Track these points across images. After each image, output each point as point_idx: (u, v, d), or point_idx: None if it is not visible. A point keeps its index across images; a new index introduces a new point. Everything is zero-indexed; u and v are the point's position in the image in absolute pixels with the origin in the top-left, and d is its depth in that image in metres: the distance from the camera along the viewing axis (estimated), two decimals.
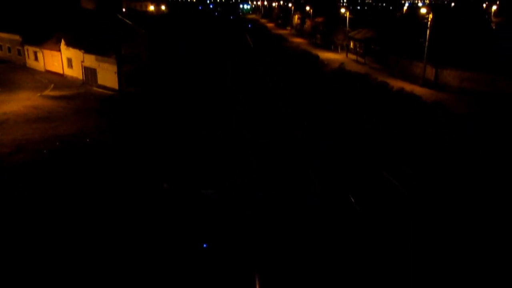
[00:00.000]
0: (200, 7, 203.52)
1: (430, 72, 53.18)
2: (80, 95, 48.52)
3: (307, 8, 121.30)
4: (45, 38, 60.70)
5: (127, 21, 60.65)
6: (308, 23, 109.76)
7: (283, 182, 27.07)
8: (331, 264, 19.10)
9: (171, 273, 18.48)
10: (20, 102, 44.98)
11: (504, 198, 24.92)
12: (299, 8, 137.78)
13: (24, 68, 63.46)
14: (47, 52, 60.13)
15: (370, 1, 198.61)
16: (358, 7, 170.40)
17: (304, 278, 18.24)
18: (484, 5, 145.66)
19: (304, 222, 22.33)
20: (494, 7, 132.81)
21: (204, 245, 20.24)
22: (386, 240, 20.89)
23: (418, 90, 50.07)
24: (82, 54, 53.77)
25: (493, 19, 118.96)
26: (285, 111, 41.69)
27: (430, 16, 52.52)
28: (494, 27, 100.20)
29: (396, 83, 52.91)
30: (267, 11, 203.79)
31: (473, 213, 23.14)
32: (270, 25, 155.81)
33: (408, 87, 51.28)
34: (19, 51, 65.13)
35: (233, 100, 45.99)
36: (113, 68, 49.90)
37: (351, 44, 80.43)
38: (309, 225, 22.10)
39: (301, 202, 24.20)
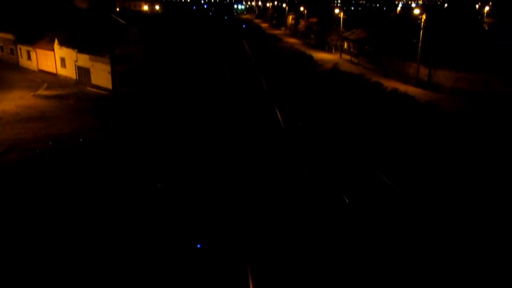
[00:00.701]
0: (194, 7, 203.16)
1: (424, 72, 53.40)
2: (74, 95, 48.26)
3: (301, 8, 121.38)
4: (38, 37, 60.33)
5: (121, 20, 60.40)
6: (302, 23, 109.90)
7: (279, 182, 27.08)
8: (326, 263, 19.15)
9: (164, 274, 18.45)
10: (13, 101, 44.69)
11: (497, 196, 25.11)
12: (293, 9, 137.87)
13: (17, 67, 63.08)
14: (40, 52, 59.78)
15: (364, 2, 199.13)
16: (352, 8, 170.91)
17: (299, 278, 18.28)
18: (477, 6, 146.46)
19: (299, 222, 22.36)
20: (486, 8, 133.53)
21: (198, 246, 20.20)
22: (378, 239, 20.97)
23: (411, 90, 50.26)
24: (75, 53, 53.51)
25: (485, 19, 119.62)
26: (281, 111, 41.75)
27: (424, 16, 52.75)
28: (486, 28, 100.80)
29: (390, 84, 53.09)
30: (261, 11, 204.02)
31: (467, 212, 23.29)
32: (264, 25, 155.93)
33: (401, 87, 51.46)
34: (12, 50, 64.70)
35: (230, 100, 46.06)
36: (107, 68, 49.68)
37: (345, 44, 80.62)
38: (304, 224, 22.13)
39: (297, 202, 24.26)
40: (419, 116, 40.15)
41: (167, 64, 60.57)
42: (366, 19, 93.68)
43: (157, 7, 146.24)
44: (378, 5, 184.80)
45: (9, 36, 63.58)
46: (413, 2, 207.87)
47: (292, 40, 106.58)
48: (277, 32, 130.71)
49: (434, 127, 37.16)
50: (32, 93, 48.47)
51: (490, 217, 23.04)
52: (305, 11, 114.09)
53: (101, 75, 50.67)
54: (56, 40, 56.16)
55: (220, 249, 19.95)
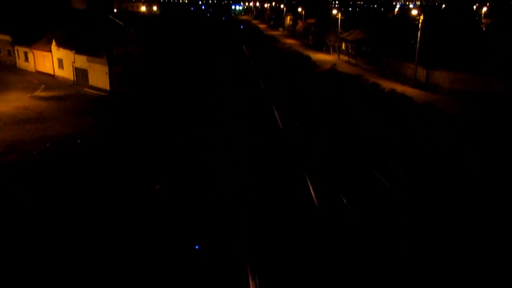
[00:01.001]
0: (192, 8, 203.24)
1: (421, 73, 53.46)
2: (71, 96, 48.15)
3: (299, 9, 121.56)
4: (36, 39, 60.18)
5: (119, 21, 60.33)
6: (300, 24, 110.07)
7: (277, 182, 27.06)
8: (324, 263, 19.11)
9: (163, 274, 18.39)
10: (10, 103, 44.55)
11: (495, 197, 25.12)
12: (291, 9, 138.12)
13: (14, 68, 62.89)
14: (37, 53, 59.63)
15: (361, 3, 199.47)
16: (350, 9, 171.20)
17: (298, 278, 18.23)
18: (475, 7, 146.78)
19: (297, 222, 22.33)
20: (484, 9, 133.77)
21: (196, 247, 20.14)
22: (376, 239, 20.95)
23: (409, 91, 50.30)
24: (73, 54, 53.38)
25: (483, 20, 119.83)
26: (280, 112, 41.74)
27: (421, 17, 52.80)
28: (484, 29, 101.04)
29: (388, 84, 53.13)
30: (259, 12, 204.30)
31: (465, 213, 23.28)
32: (262, 26, 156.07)
33: (399, 88, 51.52)
34: (9, 51, 64.53)
35: (228, 101, 46.04)
36: (104, 69, 49.58)
37: (343, 45, 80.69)
38: (302, 225, 22.09)
39: (295, 202, 24.22)
40: (417, 117, 40.19)
41: (164, 65, 60.52)
42: (364, 20, 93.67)
43: (154, 8, 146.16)
44: (375, 6, 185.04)
45: (6, 37, 63.39)
46: (410, 3, 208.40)
47: (290, 41, 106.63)
48: (275, 33, 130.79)
49: (432, 127, 37.19)
50: (29, 95, 48.33)
51: (488, 218, 23.04)
52: (303, 12, 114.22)
53: (99, 76, 50.56)
54: (53, 41, 56.02)
55: (219, 250, 19.90)
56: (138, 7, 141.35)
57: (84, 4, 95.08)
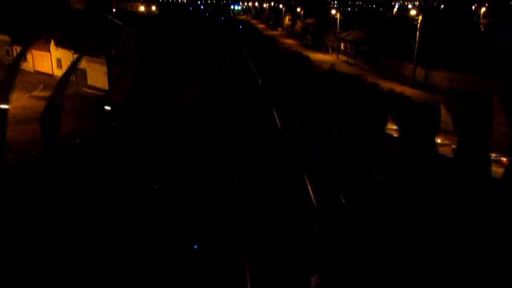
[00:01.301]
0: (190, 8, 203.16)
1: (420, 73, 53.53)
2: (70, 96, 47.87)
3: (298, 9, 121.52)
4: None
5: (117, 21, 60.28)
6: (298, 24, 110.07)
7: (276, 182, 27.09)
8: (324, 264, 19.13)
9: (162, 274, 18.39)
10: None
11: (498, 197, 25.15)
12: (290, 9, 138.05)
13: None
14: (36, 53, 59.52)
15: (360, 3, 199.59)
16: (349, 9, 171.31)
17: (297, 278, 18.25)
18: (473, 7, 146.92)
19: (297, 222, 22.34)
20: (483, 9, 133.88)
21: (195, 246, 20.13)
22: (376, 239, 20.97)
23: (408, 91, 50.36)
24: (71, 54, 53.28)
25: (481, 20, 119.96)
26: (279, 112, 41.76)
27: (420, 17, 52.88)
28: (482, 29, 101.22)
29: (387, 84, 53.16)
30: (258, 12, 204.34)
31: (467, 213, 23.28)
32: (261, 26, 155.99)
33: (398, 88, 51.57)
34: (7, 51, 64.40)
35: (227, 101, 46.01)
36: (103, 69, 49.52)
37: (342, 45, 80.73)
38: (301, 225, 22.11)
39: (294, 202, 24.23)
40: (416, 117, 40.20)
41: (163, 65, 60.40)
42: (363, 20, 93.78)
43: (153, 8, 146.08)
44: (374, 6, 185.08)
45: (5, 37, 63.28)
46: (409, 3, 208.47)
47: (289, 41, 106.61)
48: (273, 33, 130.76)
49: (431, 127, 37.18)
50: (28, 95, 48.24)
51: (491, 219, 23.04)
52: (302, 12, 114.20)
53: (98, 76, 50.51)
54: (52, 41, 55.95)
55: (218, 250, 19.90)
56: (136, 7, 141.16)
57: (83, 4, 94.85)
